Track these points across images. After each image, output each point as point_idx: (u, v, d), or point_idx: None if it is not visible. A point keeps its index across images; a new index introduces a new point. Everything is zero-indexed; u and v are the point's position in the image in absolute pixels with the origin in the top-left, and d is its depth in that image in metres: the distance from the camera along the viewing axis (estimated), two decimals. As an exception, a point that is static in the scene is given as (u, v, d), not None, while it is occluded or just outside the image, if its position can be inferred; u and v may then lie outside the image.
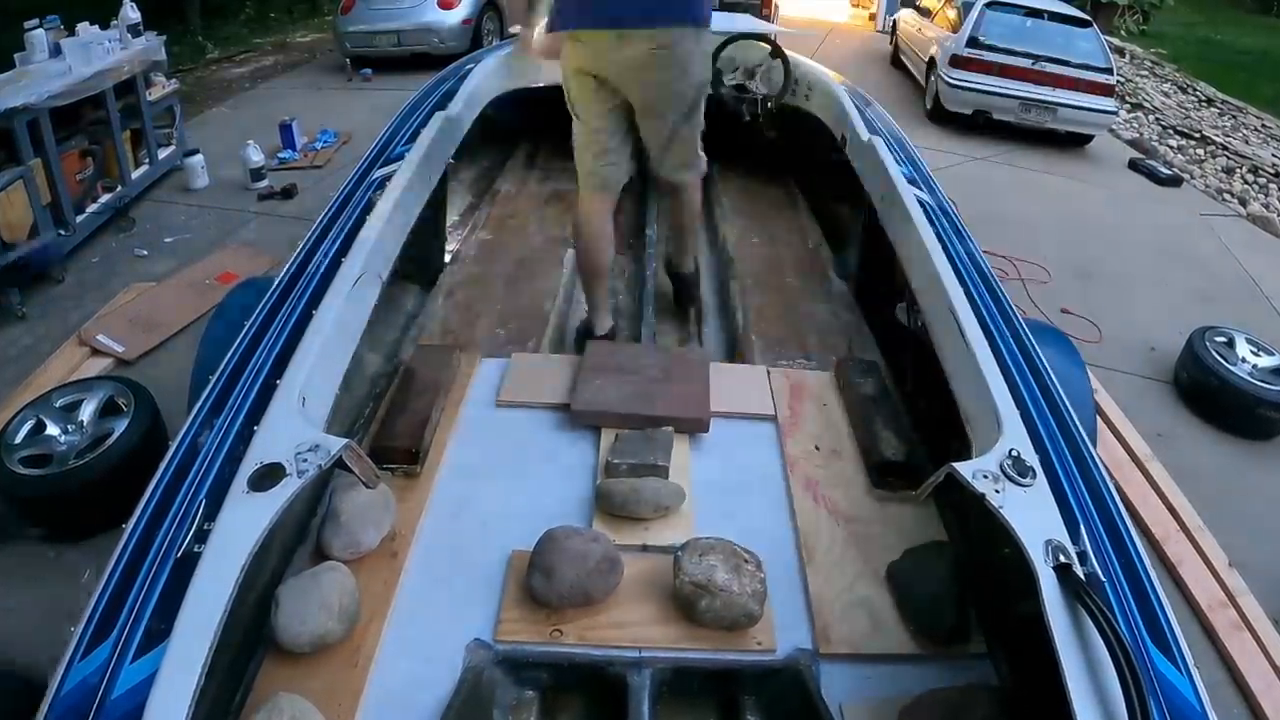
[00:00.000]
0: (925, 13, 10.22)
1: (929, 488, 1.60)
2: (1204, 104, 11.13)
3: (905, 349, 2.47)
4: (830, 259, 3.18)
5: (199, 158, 5.82)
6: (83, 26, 4.96)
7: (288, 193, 5.75)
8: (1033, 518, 1.40)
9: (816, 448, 2.08)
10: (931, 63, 8.78)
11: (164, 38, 5.78)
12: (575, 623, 1.54)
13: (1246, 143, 9.46)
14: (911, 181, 2.74)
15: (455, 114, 3.02)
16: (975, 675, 1.50)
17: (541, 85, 3.80)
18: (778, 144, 4.02)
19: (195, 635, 1.15)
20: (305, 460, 1.40)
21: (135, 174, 5.36)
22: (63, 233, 4.48)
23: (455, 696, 1.40)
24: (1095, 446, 1.80)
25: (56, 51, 4.70)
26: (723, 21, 3.43)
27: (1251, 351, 4.10)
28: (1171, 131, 9.62)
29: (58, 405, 2.92)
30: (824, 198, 3.78)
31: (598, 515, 1.80)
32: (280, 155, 6.34)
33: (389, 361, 2.34)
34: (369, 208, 2.32)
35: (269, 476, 1.37)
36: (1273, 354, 4.11)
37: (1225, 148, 9.06)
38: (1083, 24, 8.35)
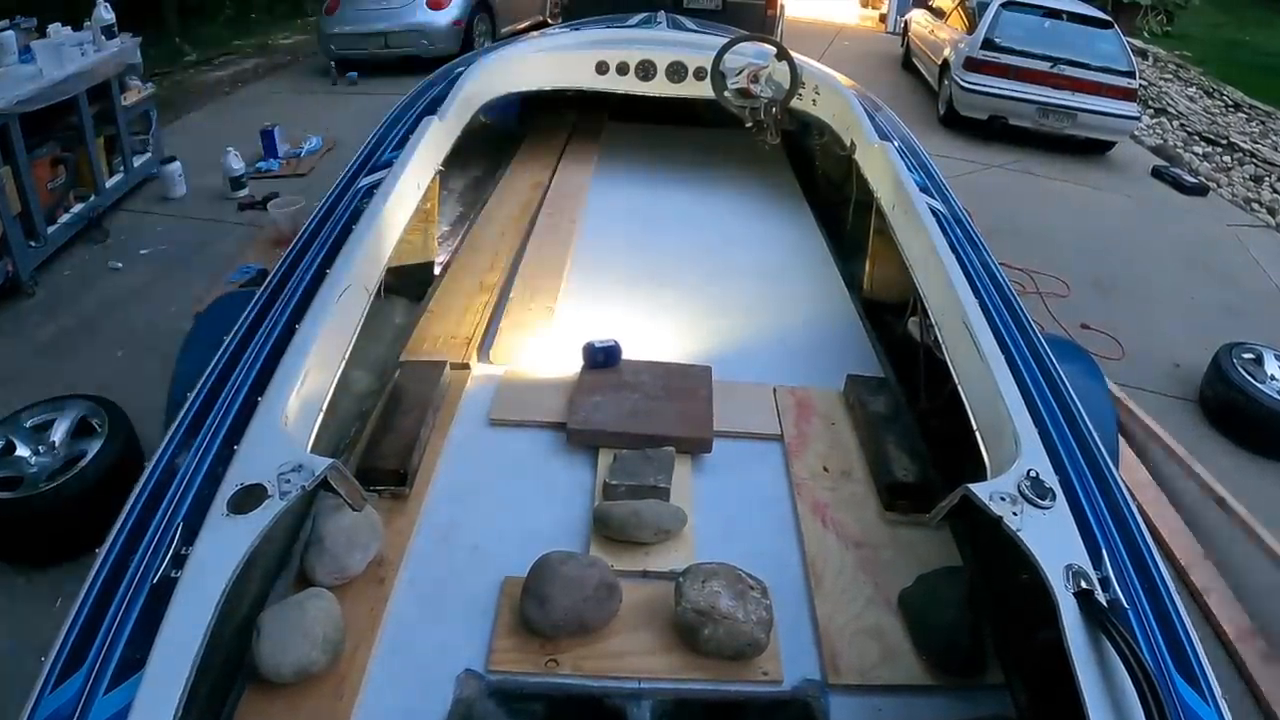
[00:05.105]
0: (938, 13, 10.29)
1: (943, 510, 1.60)
2: (1231, 109, 11.20)
3: (917, 365, 2.48)
4: (838, 270, 3.20)
5: (176, 165, 5.84)
6: (54, 28, 4.98)
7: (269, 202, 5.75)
8: (1052, 542, 1.40)
9: (825, 468, 2.09)
10: (945, 66, 8.84)
11: (139, 39, 5.81)
12: (571, 652, 1.54)
13: (1276, 149, 9.51)
14: (924, 189, 2.76)
15: (445, 120, 3.04)
16: (992, 707, 1.51)
17: (536, 89, 3.83)
18: (784, 149, 4.05)
19: (172, 665, 1.16)
20: (288, 481, 1.40)
21: (109, 182, 5.38)
22: (33, 244, 4.50)
23: (445, 730, 1.40)
24: (1117, 467, 1.80)
25: (26, 54, 4.72)
26: None
27: (1281, 368, 4.12)
28: (1197, 138, 9.68)
29: (28, 425, 2.92)
30: (832, 205, 3.80)
31: (595, 539, 1.81)
32: (260, 164, 6.36)
33: (376, 378, 2.35)
34: (355, 218, 2.34)
35: (250, 498, 1.37)
36: (1303, 371, 4.12)
37: (1254, 155, 9.12)
38: (1103, 25, 8.41)
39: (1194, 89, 12.02)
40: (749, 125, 3.60)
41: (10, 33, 4.75)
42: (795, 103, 3.58)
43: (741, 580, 1.58)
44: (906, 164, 2.90)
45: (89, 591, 1.34)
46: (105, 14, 5.42)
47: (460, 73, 3.56)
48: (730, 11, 8.11)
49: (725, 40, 3.61)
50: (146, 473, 1.56)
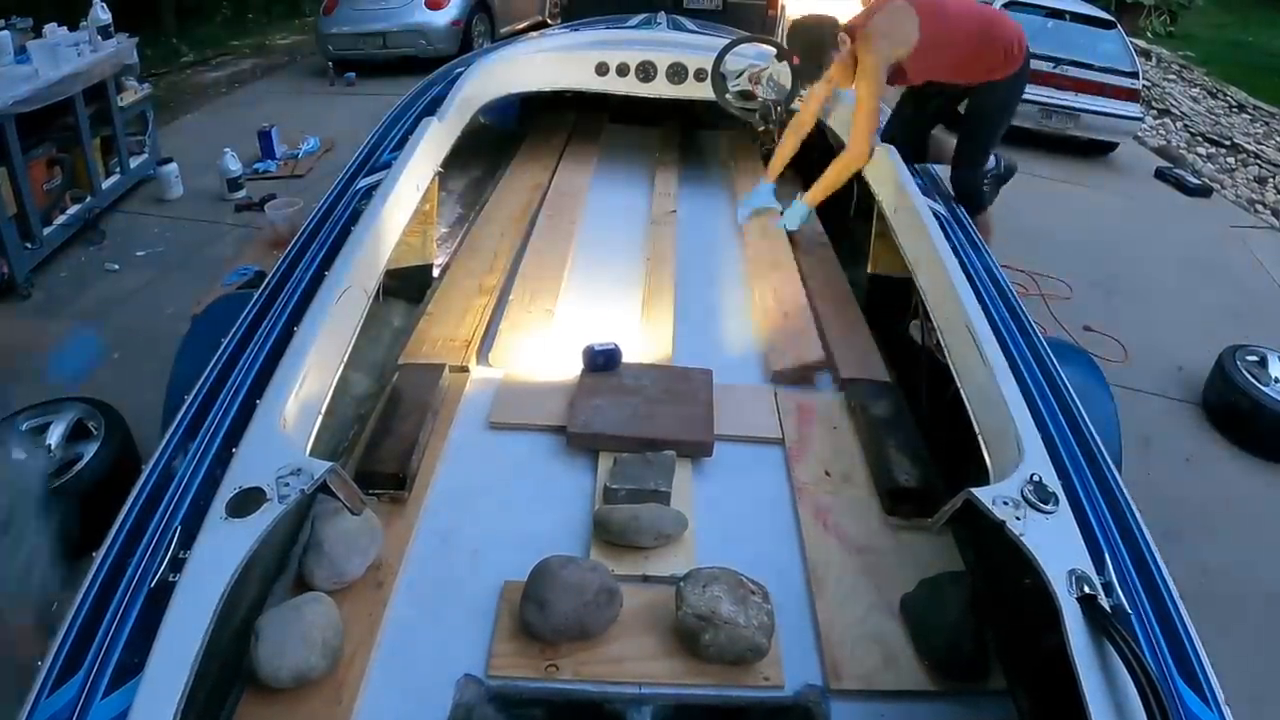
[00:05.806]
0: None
1: (945, 515, 1.61)
2: (1235, 109, 11.19)
3: (919, 368, 2.48)
4: (840, 272, 3.20)
5: (173, 166, 5.84)
6: (50, 28, 4.98)
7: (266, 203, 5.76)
8: (1055, 547, 1.41)
9: (826, 473, 2.09)
10: (946, 66, 8.81)
11: (136, 40, 5.82)
12: (571, 657, 1.55)
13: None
14: (925, 191, 2.77)
15: (445, 120, 3.05)
16: (994, 712, 1.51)
17: (535, 89, 3.84)
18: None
19: (170, 670, 1.16)
20: (287, 485, 1.41)
21: (106, 184, 5.38)
22: (29, 245, 4.50)
23: (445, 735, 1.40)
24: (1121, 471, 1.81)
25: (22, 54, 4.72)
26: None
27: (1286, 371, 4.11)
28: (1200, 139, 9.67)
29: (23, 429, 2.92)
30: (833, 208, 3.80)
31: (595, 543, 1.81)
32: (257, 165, 6.37)
33: (375, 381, 2.35)
34: (354, 219, 2.35)
35: (248, 502, 1.38)
36: (1308, 374, 4.12)
37: (1258, 156, 9.11)
38: (1106, 25, 8.40)
39: (1197, 90, 12.01)
40: (760, 129, 3.60)
41: (6, 33, 4.75)
42: (797, 104, 3.58)
43: (742, 585, 1.58)
44: (908, 166, 2.90)
45: (86, 595, 1.34)
46: (102, 14, 5.42)
47: (460, 73, 3.56)
48: (731, 12, 8.12)
49: (726, 41, 3.61)
50: (144, 476, 1.57)
